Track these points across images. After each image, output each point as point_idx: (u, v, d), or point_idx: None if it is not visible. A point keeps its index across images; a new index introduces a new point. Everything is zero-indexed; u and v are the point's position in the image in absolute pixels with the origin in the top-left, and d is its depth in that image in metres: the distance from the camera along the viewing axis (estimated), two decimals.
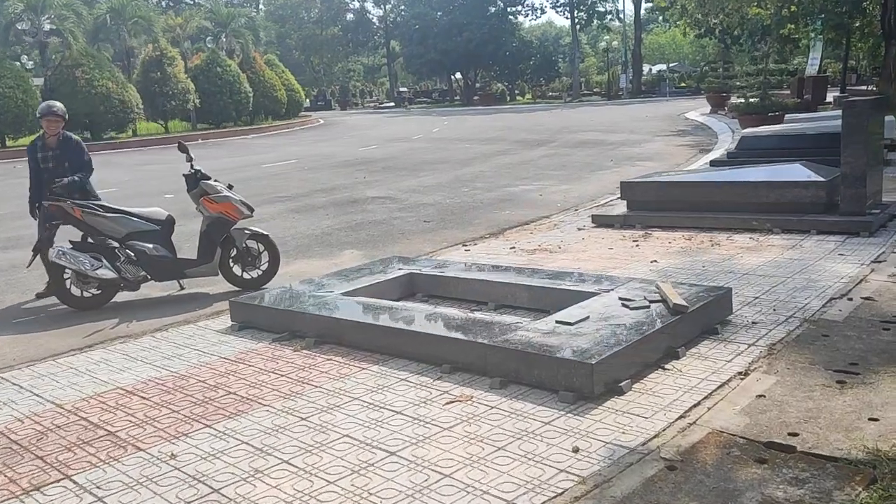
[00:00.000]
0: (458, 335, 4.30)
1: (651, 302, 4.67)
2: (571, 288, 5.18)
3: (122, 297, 7.04)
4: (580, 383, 3.77)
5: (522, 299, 5.43)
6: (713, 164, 13.04)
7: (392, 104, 68.71)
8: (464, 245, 8.56)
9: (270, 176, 16.42)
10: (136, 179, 16.58)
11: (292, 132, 33.91)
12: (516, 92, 69.10)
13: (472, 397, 3.91)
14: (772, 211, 7.82)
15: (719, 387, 3.89)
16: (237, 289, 7.22)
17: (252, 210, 7.32)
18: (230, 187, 7.25)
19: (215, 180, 7.22)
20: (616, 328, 4.25)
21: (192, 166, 7.14)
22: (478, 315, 4.75)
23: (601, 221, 8.69)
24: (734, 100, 21.12)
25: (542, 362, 3.90)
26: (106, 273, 6.62)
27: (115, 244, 6.78)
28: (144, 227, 6.89)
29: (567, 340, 4.08)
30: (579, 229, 8.58)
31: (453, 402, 3.88)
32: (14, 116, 24.34)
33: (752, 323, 4.83)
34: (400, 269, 6.18)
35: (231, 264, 7.22)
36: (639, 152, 18.04)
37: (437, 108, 58.78)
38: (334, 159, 19.85)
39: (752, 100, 18.86)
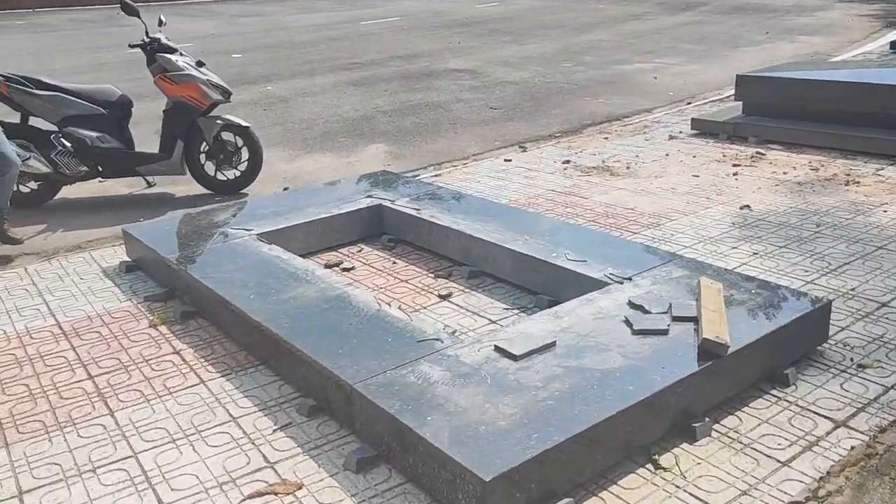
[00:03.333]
0: (329, 358, 2.63)
1: (675, 320, 2.76)
2: (569, 266, 3.31)
3: (74, 191, 5.81)
4: None
5: (504, 268, 3.62)
6: (895, 46, 10.07)
7: None
8: (520, 146, 6.67)
9: (359, 36, 14.65)
10: (219, 34, 15.31)
11: None
12: None
13: (298, 488, 2.30)
14: None
15: None
16: (209, 192, 5.81)
17: (228, 95, 5.74)
18: (200, 64, 5.67)
19: (181, 53, 5.65)
20: (588, 378, 2.43)
21: (146, 33, 5.58)
22: (393, 310, 3.01)
23: (703, 128, 6.45)
24: None
25: (420, 447, 2.20)
26: (36, 166, 5.34)
27: (54, 130, 5.47)
28: (87, 111, 5.48)
29: (482, 403, 2.33)
30: (671, 137, 6.40)
31: (264, 494, 2.28)
32: None
33: (858, 366, 2.83)
34: (369, 196, 4.47)
35: (203, 161, 5.78)
36: (805, 23, 14.70)
37: None
38: (443, 17, 17.67)
39: None
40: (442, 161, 6.46)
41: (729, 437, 2.45)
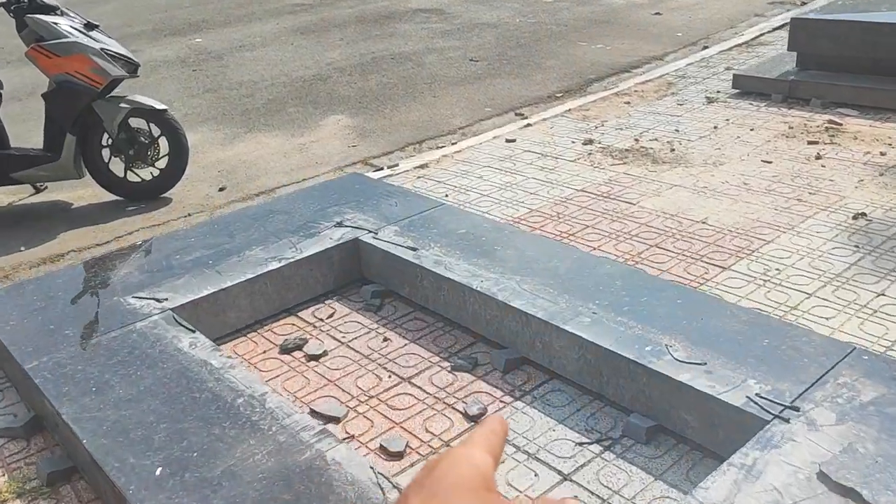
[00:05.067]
0: None
1: None
2: (681, 377, 2.03)
3: None
4: None
5: (565, 362, 2.33)
6: None
7: None
8: (518, 114, 5.34)
9: None
10: None
11: None
12: None
13: None
14: None
15: None
16: (119, 198, 4.39)
17: (134, 68, 4.25)
18: (90, 27, 4.14)
19: (61, 13, 4.11)
20: None
21: None
22: None
23: (748, 87, 5.14)
24: None
25: None
26: None
27: None
28: None
29: None
30: (709, 100, 5.08)
31: None
32: None
33: None
34: (339, 224, 3.10)
35: (107, 159, 4.32)
36: None
37: None
38: None
39: None
40: (423, 139, 5.10)
41: None
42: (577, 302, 2.41)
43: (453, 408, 2.28)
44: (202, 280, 2.73)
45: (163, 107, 4.29)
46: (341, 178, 3.67)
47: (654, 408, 2.11)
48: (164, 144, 4.35)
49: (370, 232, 3.02)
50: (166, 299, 2.62)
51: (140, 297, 2.64)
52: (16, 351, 2.37)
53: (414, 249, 2.84)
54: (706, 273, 2.92)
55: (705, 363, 2.08)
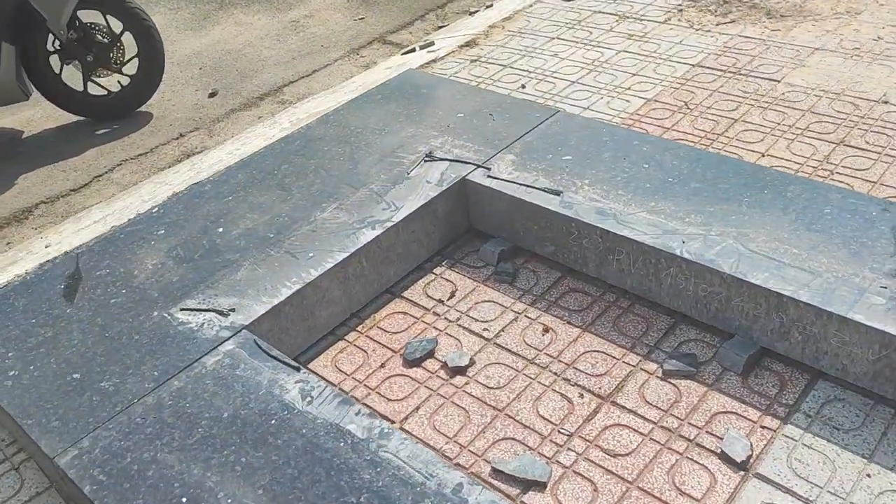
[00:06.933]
0: None
1: None
2: None
3: None
4: None
5: (849, 364, 1.63)
6: None
7: None
8: None
9: None
10: None
11: None
12: None
13: None
14: None
15: None
16: (81, 117, 3.42)
17: None
18: None
19: None
20: None
21: None
22: None
23: None
24: None
25: None
26: None
27: None
28: None
29: None
30: None
31: None
32: None
33: None
34: (430, 157, 2.25)
35: (59, 69, 3.29)
36: None
37: None
38: None
39: None
40: (444, 1, 4.11)
41: None
42: (845, 268, 1.69)
43: (701, 445, 1.59)
44: (272, 270, 1.90)
45: None
46: (396, 78, 2.75)
47: None
48: (129, 42, 3.32)
49: (479, 167, 2.18)
50: (232, 310, 1.80)
51: (191, 310, 1.81)
52: (34, 429, 1.56)
53: (557, 193, 2.04)
54: None
55: None
